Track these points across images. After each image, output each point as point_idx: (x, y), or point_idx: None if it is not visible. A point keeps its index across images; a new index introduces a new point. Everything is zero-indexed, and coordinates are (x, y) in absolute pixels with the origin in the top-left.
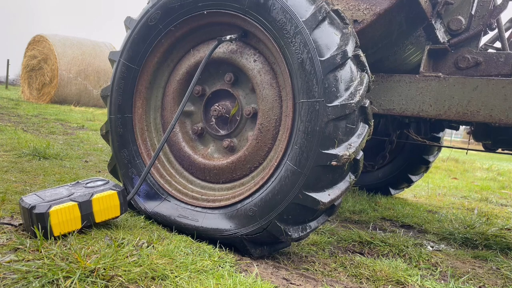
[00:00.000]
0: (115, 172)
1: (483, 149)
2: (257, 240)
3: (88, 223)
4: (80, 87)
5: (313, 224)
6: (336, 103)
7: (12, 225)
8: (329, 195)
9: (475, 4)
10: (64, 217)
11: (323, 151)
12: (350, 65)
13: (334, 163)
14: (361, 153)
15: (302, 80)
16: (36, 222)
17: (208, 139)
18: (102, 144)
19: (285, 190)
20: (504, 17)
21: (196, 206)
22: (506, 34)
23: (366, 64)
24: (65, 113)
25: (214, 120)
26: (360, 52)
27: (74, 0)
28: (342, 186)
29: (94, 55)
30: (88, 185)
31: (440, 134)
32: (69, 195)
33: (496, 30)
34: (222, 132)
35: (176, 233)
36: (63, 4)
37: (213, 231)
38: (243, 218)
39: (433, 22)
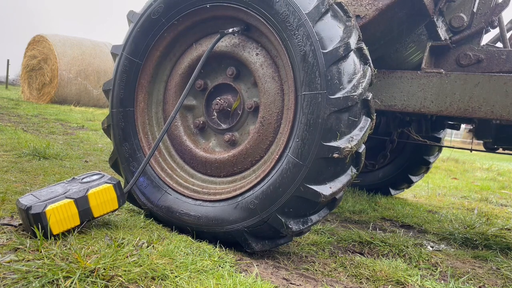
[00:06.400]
0: (116, 166)
1: (483, 149)
2: (258, 233)
3: (87, 218)
4: (80, 87)
5: (314, 217)
6: (338, 95)
7: (12, 225)
8: (330, 188)
9: (477, 2)
10: (61, 215)
11: (325, 144)
12: (353, 57)
13: (336, 155)
14: (363, 146)
15: (304, 73)
16: (34, 223)
17: (209, 133)
18: (102, 144)
19: (286, 182)
20: (505, 16)
21: (197, 200)
22: (508, 35)
23: (369, 57)
24: (65, 113)
25: (215, 114)
26: (363, 45)
27: (74, 0)
28: (343, 179)
29: (94, 55)
30: (84, 180)
31: (441, 135)
32: (65, 193)
33: (498, 29)
34: (224, 126)
35: (176, 233)
36: (63, 4)
37: (214, 224)
38: (244, 211)
39: (435, 19)
